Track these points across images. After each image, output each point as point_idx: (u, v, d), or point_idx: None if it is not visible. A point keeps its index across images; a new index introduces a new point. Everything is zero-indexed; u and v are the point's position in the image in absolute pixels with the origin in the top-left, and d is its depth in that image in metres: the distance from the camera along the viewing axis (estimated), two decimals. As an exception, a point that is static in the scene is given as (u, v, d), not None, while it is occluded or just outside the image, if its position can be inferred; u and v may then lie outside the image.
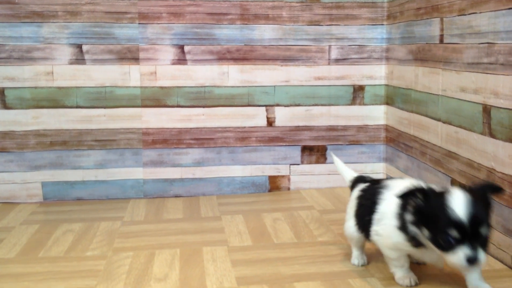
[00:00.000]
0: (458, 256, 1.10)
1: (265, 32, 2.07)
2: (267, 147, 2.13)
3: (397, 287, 1.28)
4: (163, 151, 2.08)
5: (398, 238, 1.22)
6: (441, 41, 1.69)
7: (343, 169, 1.55)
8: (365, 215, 1.32)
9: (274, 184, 2.14)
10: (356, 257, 1.41)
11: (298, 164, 2.14)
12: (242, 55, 2.08)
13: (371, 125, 2.19)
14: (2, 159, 2.00)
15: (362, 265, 1.40)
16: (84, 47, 1.99)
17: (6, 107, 1.98)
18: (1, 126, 1.99)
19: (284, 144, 2.14)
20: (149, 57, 2.03)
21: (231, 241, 1.60)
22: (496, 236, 1.41)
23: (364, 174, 1.53)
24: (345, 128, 2.17)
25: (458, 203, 1.10)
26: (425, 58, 1.80)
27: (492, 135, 1.43)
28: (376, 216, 1.28)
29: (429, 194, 1.15)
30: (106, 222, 1.78)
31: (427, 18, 1.77)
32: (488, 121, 1.44)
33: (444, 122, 1.69)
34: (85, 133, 2.03)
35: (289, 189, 2.16)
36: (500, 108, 1.39)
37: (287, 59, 2.11)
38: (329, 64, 2.13)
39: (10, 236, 1.65)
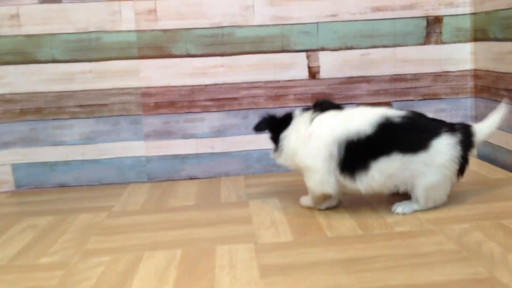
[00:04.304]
0: None
1: (301, -51, 1.51)
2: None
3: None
4: (171, 117, 1.55)
5: None
6: None
7: None
8: None
9: (322, 157, 1.58)
10: None
11: (354, 129, 1.57)
12: (272, -18, 1.52)
13: (453, 72, 1.59)
14: (-40, 135, 1.51)
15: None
16: (58, -20, 1.48)
17: (-40, 65, 1.49)
18: (-45, 92, 1.50)
19: (333, 102, 1.57)
20: (146, -10, 1.50)
21: (261, 235, 1.05)
22: None
23: None
24: (416, 77, 1.58)
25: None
26: (543, -46, 1.20)
27: None
28: None
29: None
30: (86, 213, 1.26)
31: None
32: None
33: None
34: (66, 96, 1.52)
35: (342, 163, 1.58)
36: None
37: (333, -15, 1.54)
38: (392, -12, 1.55)
39: None
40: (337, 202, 1.19)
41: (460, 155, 1.09)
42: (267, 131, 1.22)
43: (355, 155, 1.08)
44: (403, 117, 1.09)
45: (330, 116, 1.14)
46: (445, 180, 1.10)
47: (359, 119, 1.09)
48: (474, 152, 1.15)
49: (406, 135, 1.08)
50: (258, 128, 1.21)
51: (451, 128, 1.11)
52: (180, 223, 1.15)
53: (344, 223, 1.09)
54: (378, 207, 1.18)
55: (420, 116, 1.13)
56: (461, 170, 1.11)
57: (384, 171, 1.07)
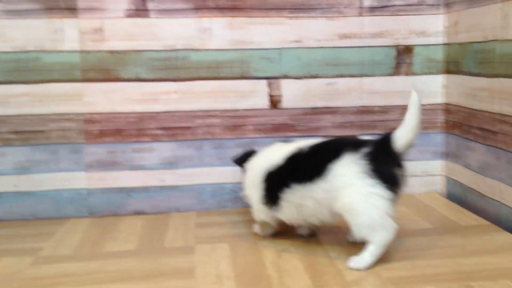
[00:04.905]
0: None
1: (264, -32, 1.40)
2: (271, 139, 1.44)
3: None
4: (117, 146, 1.41)
5: None
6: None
7: None
8: None
9: (282, 194, 1.45)
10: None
11: (317, 164, 1.45)
12: (232, 2, 1.40)
13: (424, 105, 1.49)
14: None
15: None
16: (-6, -7, 1.34)
17: None
18: None
19: (295, 134, 1.45)
20: (93, 6, 1.37)
21: (201, 295, 0.92)
22: None
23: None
24: (384, 109, 1.48)
25: None
26: (521, -14, 1.11)
27: None
28: None
29: None
30: (10, 258, 1.11)
31: None
32: None
33: None
34: (-1, 121, 1.37)
35: (304, 200, 1.46)
36: None
37: (298, 8, 1.42)
38: (361, 14, 1.44)
39: None
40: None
41: (370, 168, 0.99)
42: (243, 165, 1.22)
43: (270, 185, 1.09)
44: (312, 147, 1.07)
45: (271, 148, 1.16)
46: (364, 199, 0.98)
47: (283, 151, 1.09)
48: (401, 157, 1.02)
49: (304, 164, 1.05)
50: (240, 161, 1.22)
51: (356, 145, 1.02)
52: (112, 276, 1.01)
53: (298, 281, 0.96)
54: (337, 258, 1.06)
55: (335, 141, 1.07)
56: (389, 183, 0.99)
57: (291, 201, 1.06)
